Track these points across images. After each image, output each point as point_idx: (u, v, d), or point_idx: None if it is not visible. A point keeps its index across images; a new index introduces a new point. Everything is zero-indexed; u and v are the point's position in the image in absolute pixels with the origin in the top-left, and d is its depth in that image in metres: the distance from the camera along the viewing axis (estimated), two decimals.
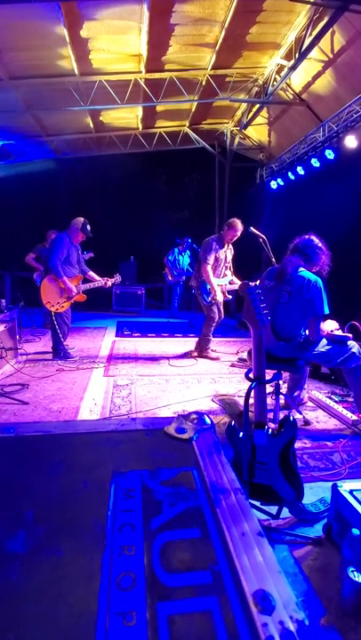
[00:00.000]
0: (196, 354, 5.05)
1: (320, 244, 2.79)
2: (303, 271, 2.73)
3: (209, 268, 4.62)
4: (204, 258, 4.65)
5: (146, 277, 9.79)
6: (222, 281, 4.79)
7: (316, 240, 2.80)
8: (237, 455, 1.66)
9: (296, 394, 3.26)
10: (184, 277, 8.06)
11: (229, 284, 4.86)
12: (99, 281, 4.86)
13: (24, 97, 6.61)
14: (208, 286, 4.72)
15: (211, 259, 4.62)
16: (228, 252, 4.83)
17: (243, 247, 4.92)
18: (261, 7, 5.11)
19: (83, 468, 1.04)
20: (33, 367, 4.28)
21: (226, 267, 4.87)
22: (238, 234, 4.67)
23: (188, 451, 1.12)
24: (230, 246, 4.86)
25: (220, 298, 4.70)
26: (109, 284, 4.94)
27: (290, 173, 7.60)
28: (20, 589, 0.69)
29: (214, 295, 4.69)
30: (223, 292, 4.77)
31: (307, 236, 2.82)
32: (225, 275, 4.89)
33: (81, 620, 0.63)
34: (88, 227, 4.71)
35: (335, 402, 3.29)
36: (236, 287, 4.79)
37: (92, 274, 4.90)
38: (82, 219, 4.72)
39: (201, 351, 5.02)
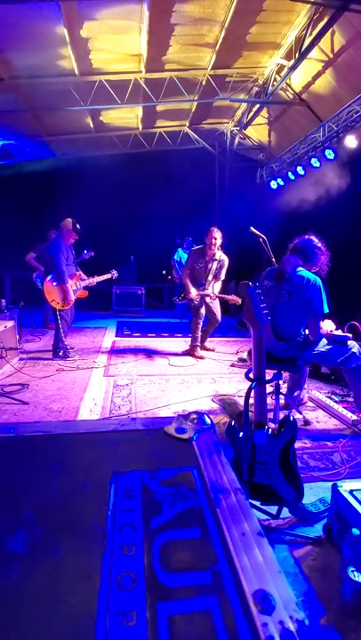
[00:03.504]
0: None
1: (319, 244, 2.78)
2: (302, 270, 2.72)
3: (183, 272, 5.01)
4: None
5: (146, 277, 9.78)
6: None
7: (315, 240, 2.80)
8: (237, 455, 1.66)
9: (296, 394, 3.26)
10: None
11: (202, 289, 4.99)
12: (90, 280, 4.88)
13: (24, 97, 6.61)
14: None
15: (186, 266, 5.01)
16: (213, 263, 4.87)
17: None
18: (261, 7, 5.11)
19: (83, 467, 1.04)
20: (33, 367, 4.28)
21: (207, 275, 4.91)
22: (214, 240, 4.76)
23: (188, 451, 1.12)
24: (220, 256, 4.87)
25: (193, 294, 4.85)
26: (97, 280, 4.94)
27: (290, 173, 7.59)
28: (20, 589, 0.69)
29: (188, 294, 4.89)
30: (193, 295, 4.86)
31: (306, 236, 2.82)
32: (209, 283, 4.95)
33: (81, 620, 0.63)
34: (78, 225, 4.75)
35: (335, 402, 3.28)
36: (206, 293, 4.92)
37: (80, 273, 4.91)
38: (70, 219, 4.75)
39: (193, 350, 5.03)
